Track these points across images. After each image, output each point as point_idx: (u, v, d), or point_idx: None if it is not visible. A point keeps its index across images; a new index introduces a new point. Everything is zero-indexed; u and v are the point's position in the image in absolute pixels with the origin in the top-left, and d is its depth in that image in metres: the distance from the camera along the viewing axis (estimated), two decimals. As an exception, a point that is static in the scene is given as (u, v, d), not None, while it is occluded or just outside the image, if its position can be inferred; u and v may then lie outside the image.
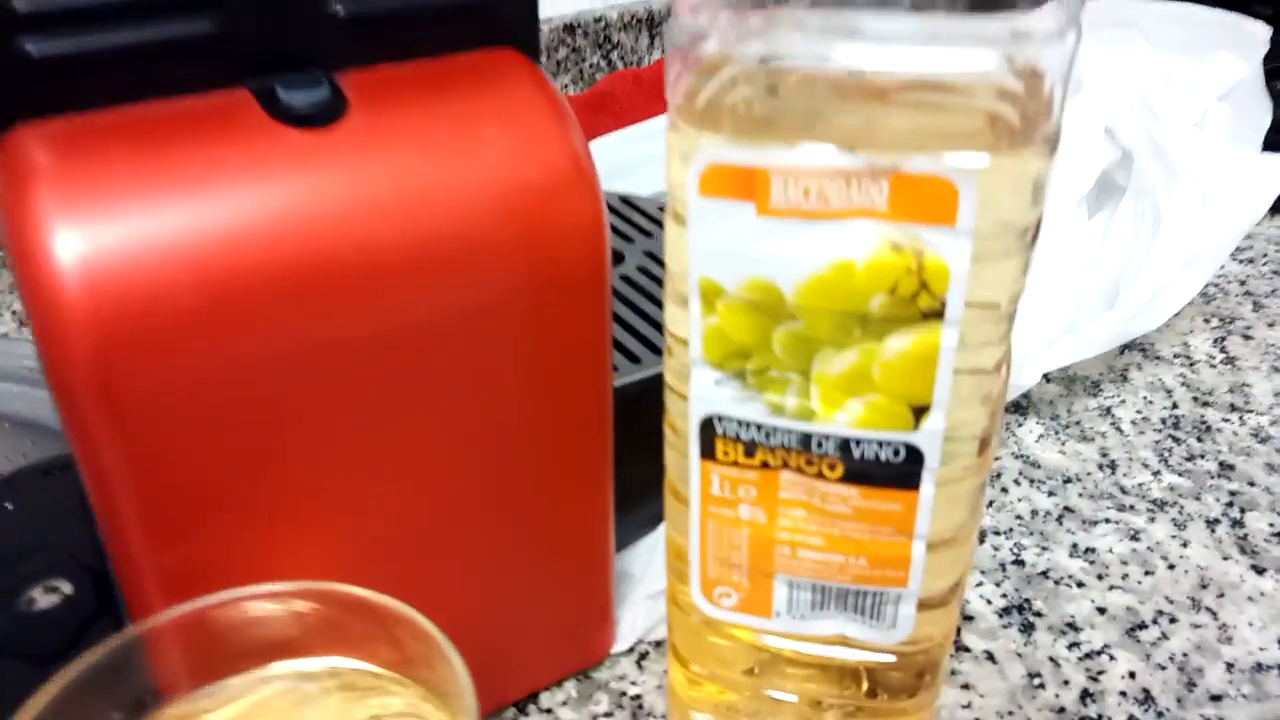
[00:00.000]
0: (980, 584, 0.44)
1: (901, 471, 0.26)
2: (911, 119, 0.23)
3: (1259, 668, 0.40)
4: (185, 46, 0.27)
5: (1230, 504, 0.47)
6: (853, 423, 0.26)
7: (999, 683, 0.39)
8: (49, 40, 0.25)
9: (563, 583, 0.37)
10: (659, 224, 0.49)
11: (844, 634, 0.30)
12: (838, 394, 0.26)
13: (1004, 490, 0.48)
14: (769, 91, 0.23)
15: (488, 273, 0.29)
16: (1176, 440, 0.51)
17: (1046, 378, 0.55)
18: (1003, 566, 0.44)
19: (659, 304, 0.44)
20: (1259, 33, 0.59)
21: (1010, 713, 0.38)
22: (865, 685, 0.32)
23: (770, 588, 0.30)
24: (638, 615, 0.41)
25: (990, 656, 0.40)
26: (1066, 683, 0.39)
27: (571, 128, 0.31)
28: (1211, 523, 0.46)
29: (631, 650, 0.41)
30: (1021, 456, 0.50)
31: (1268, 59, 0.59)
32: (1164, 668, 0.40)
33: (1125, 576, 0.44)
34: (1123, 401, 0.54)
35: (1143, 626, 0.42)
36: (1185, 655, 0.40)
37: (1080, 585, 0.43)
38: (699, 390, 0.27)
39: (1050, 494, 0.48)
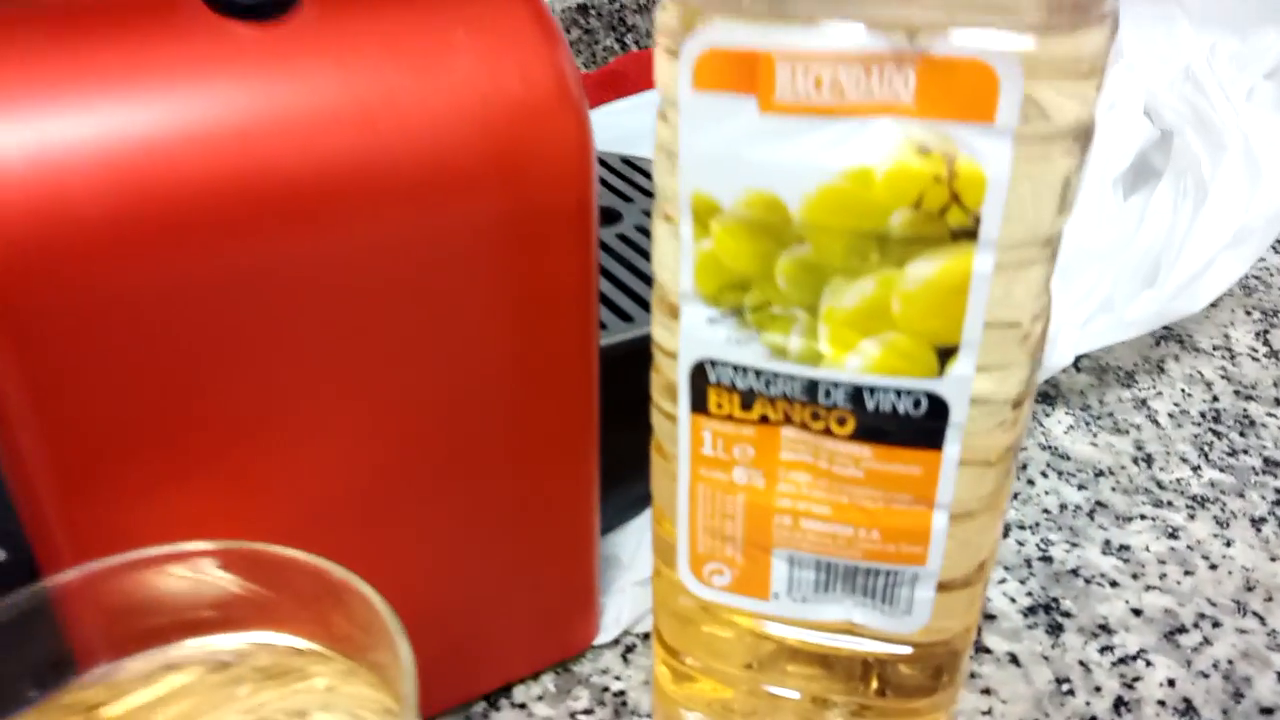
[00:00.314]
0: (1003, 580, 0.40)
1: (922, 427, 0.23)
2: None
3: (1313, 679, 0.36)
4: (112, -76, 0.24)
5: (1278, 502, 0.43)
6: (866, 367, 0.22)
7: (1023, 688, 0.36)
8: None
9: (540, 563, 0.34)
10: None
11: (851, 620, 0.27)
12: (849, 333, 0.22)
13: (1030, 482, 0.44)
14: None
15: (455, 198, 0.26)
16: (1217, 435, 0.47)
17: (1077, 367, 0.51)
18: (1028, 562, 0.40)
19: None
20: (1310, 7, 0.55)
21: (1035, 721, 0.35)
22: (875, 682, 0.28)
23: (768, 565, 0.26)
24: (624, 604, 0.37)
25: (1014, 659, 0.37)
26: (1098, 689, 0.36)
27: (558, 42, 0.27)
28: (1257, 521, 0.42)
29: (616, 642, 0.37)
30: (1049, 448, 0.46)
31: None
32: (1207, 676, 0.36)
33: (1163, 576, 0.40)
34: (1159, 393, 0.50)
35: (1183, 630, 0.38)
36: (1231, 663, 0.36)
37: (1114, 585, 0.40)
38: (689, 330, 0.23)
39: (1080, 487, 0.44)
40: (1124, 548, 0.41)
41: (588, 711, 0.35)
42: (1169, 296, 0.44)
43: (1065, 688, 0.36)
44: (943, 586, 0.25)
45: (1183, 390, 0.50)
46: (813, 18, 0.19)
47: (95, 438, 0.24)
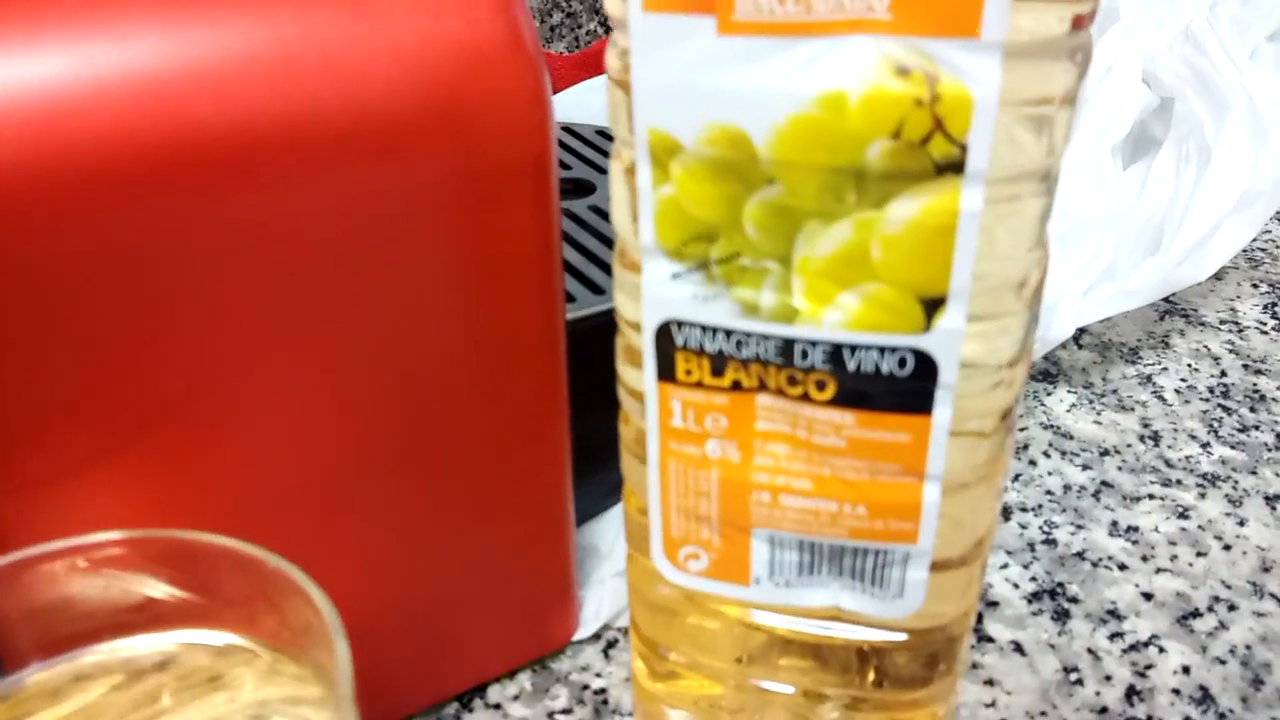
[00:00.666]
0: (1005, 565, 0.38)
1: (909, 389, 0.21)
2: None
3: (1337, 663, 0.34)
4: None
5: (1293, 479, 0.41)
6: (846, 324, 0.20)
7: (1029, 678, 0.33)
8: None
9: (511, 554, 0.31)
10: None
11: (839, 606, 0.24)
12: (826, 285, 0.20)
13: (1032, 463, 0.42)
14: None
15: (395, 153, 0.24)
16: (1227, 410, 0.45)
17: (1079, 343, 0.49)
18: (1031, 546, 0.38)
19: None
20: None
21: (1043, 713, 0.32)
22: (872, 674, 0.26)
23: (747, 547, 0.24)
24: (604, 596, 0.35)
25: (1018, 648, 0.34)
26: (1109, 678, 0.33)
27: (508, -15, 0.25)
28: (1271, 499, 0.40)
29: (597, 637, 0.35)
30: (1051, 427, 0.44)
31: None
32: (1224, 662, 0.34)
33: (1174, 558, 0.38)
34: (1165, 369, 0.48)
35: (1196, 614, 0.36)
36: (1249, 648, 0.34)
37: (1122, 568, 0.37)
38: (652, 288, 0.21)
39: (1085, 467, 0.42)
40: (1132, 529, 0.39)
41: (566, 711, 0.33)
42: (1173, 264, 0.42)
43: (1073, 677, 0.34)
44: (936, 567, 0.23)
45: (1189, 365, 0.48)
46: (774, -77, 0.17)
47: (2, 420, 0.22)
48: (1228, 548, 0.38)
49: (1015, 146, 0.18)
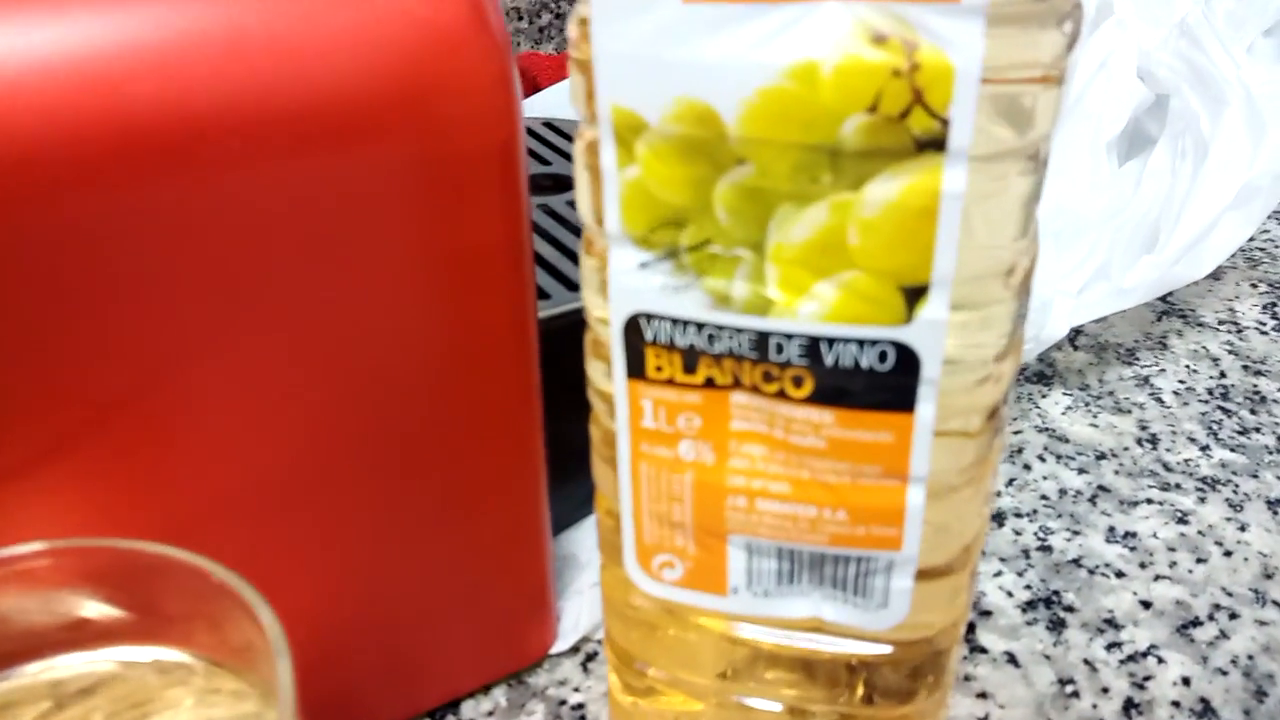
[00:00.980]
0: (999, 573, 0.36)
1: (890, 385, 0.19)
2: None
3: (1343, 673, 0.32)
4: None
5: (1295, 483, 0.40)
6: (822, 315, 0.19)
7: (1023, 690, 0.32)
8: None
9: (485, 564, 0.30)
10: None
11: (820, 617, 0.23)
12: (802, 274, 0.19)
13: (1026, 467, 0.41)
14: None
15: (353, 139, 0.22)
16: (1227, 412, 0.44)
17: (1074, 344, 0.48)
18: (1025, 553, 0.37)
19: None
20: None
21: (1037, 727, 0.31)
22: (861, 688, 0.25)
23: (723, 554, 0.23)
24: (582, 607, 0.34)
25: (1012, 659, 0.33)
26: (1106, 691, 0.32)
27: (472, -37, 0.24)
28: (1273, 503, 0.39)
29: (575, 650, 0.34)
30: (1046, 430, 0.43)
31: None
32: (1225, 673, 0.32)
33: (1173, 565, 0.37)
34: (1162, 370, 0.47)
35: (1197, 623, 0.34)
36: (1251, 658, 0.33)
37: (1120, 575, 0.36)
38: (619, 278, 0.20)
39: (1081, 471, 0.41)
40: (1130, 535, 0.38)
41: (541, 727, 0.31)
42: (1170, 262, 0.40)
43: (1069, 689, 0.32)
44: (922, 575, 0.22)
45: (1188, 367, 0.47)
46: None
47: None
48: (1229, 554, 0.37)
49: (1000, 121, 0.17)
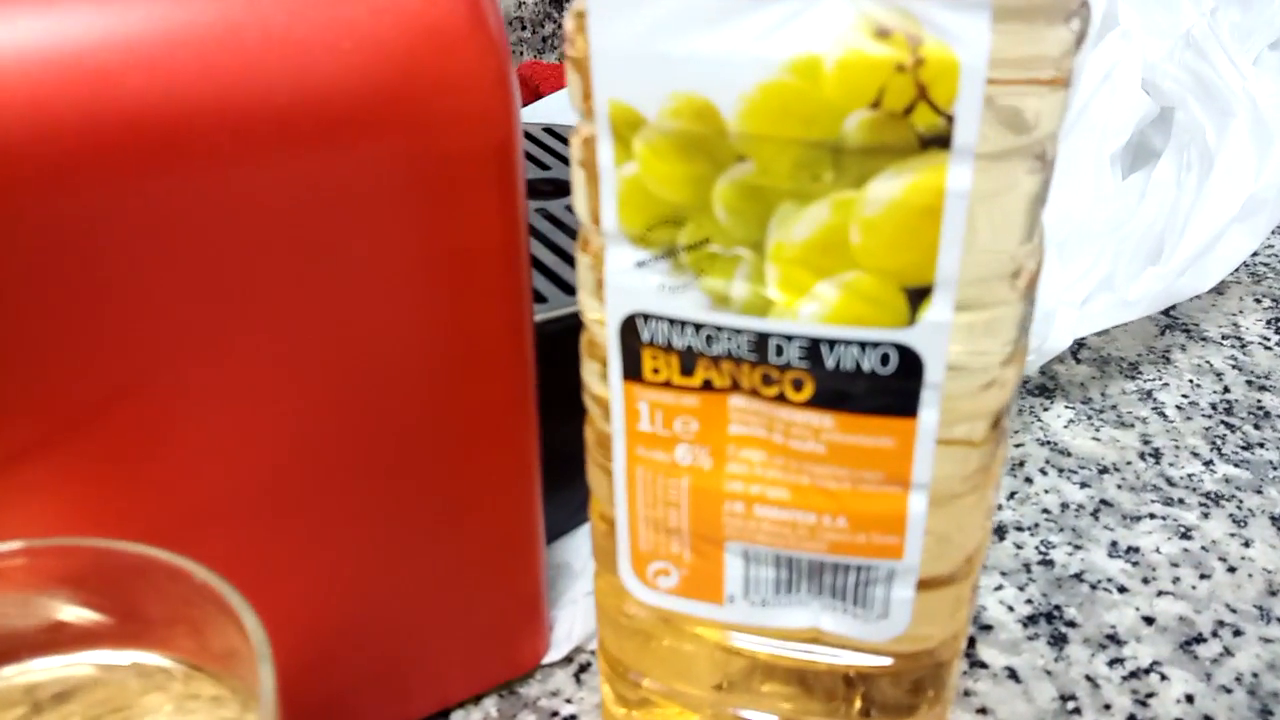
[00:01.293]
0: (1000, 587, 0.36)
1: (892, 388, 0.19)
2: None
3: (1349, 692, 0.32)
4: None
5: (1300, 498, 0.40)
6: (824, 316, 0.19)
7: (1023, 706, 0.32)
8: None
9: (477, 572, 0.30)
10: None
11: (819, 627, 0.23)
12: (802, 274, 0.18)
13: (1028, 480, 0.40)
14: None
15: (347, 136, 0.22)
16: (1230, 427, 0.43)
17: (1076, 358, 0.47)
18: (1027, 567, 0.37)
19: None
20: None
21: (1038, 743, 0.30)
22: (859, 702, 0.24)
23: (720, 562, 0.22)
24: (576, 617, 0.33)
25: (1013, 674, 0.33)
26: (1108, 707, 0.32)
27: (468, -42, 0.24)
28: (1278, 519, 0.39)
29: (568, 660, 0.33)
30: (1048, 443, 0.42)
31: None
32: (1229, 690, 0.32)
33: (1176, 581, 0.36)
34: (1165, 385, 0.46)
35: (1200, 640, 0.34)
36: (1256, 676, 0.32)
37: (1122, 590, 0.36)
38: (616, 278, 0.20)
39: (1083, 485, 0.40)
40: (1132, 550, 0.37)
41: (533, 739, 0.31)
42: (1174, 274, 0.40)
43: (1071, 705, 0.32)
44: (923, 585, 0.22)
45: (1191, 381, 0.46)
46: None
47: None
48: (1232, 570, 0.36)
49: (1006, 118, 0.17)
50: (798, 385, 0.19)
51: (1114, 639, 0.34)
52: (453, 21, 0.23)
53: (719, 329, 0.19)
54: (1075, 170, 0.44)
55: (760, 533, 0.21)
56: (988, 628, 0.34)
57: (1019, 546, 0.37)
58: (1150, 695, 0.32)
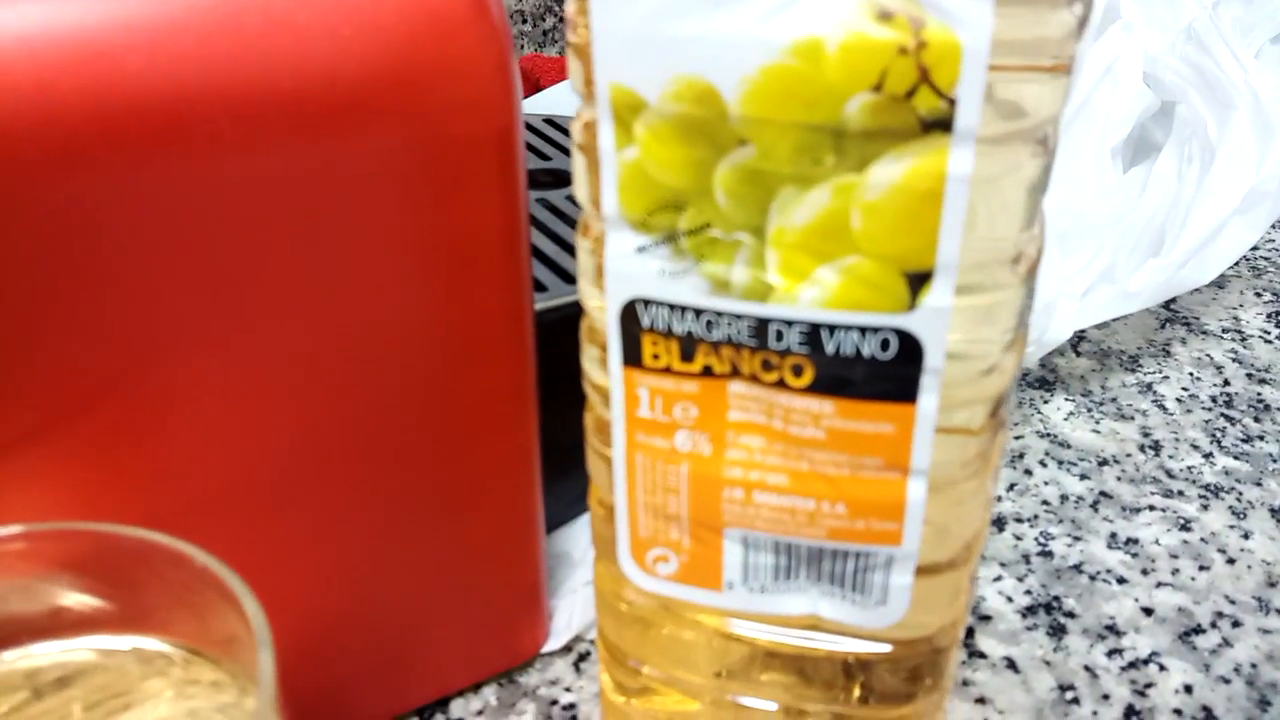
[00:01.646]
0: (999, 578, 0.36)
1: (892, 374, 0.19)
2: None
3: (1348, 683, 0.32)
4: None
5: (1299, 491, 0.40)
6: (824, 301, 0.19)
7: (1022, 696, 0.32)
8: None
9: (477, 559, 0.30)
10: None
11: (818, 614, 0.23)
12: (803, 259, 0.18)
13: (1027, 472, 0.41)
14: None
15: (348, 121, 0.22)
16: (1230, 420, 0.43)
17: (1077, 351, 0.47)
18: (1026, 558, 0.37)
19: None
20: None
21: (1036, 733, 0.31)
22: (858, 689, 0.24)
23: (719, 548, 0.22)
24: (575, 606, 0.33)
25: (1011, 664, 0.33)
26: (1106, 697, 0.32)
27: (470, -55, 0.23)
28: (1277, 512, 0.39)
29: (568, 649, 0.33)
30: (1048, 435, 0.42)
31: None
32: (1228, 681, 0.32)
33: (1175, 572, 0.36)
34: (1165, 378, 0.46)
35: (1199, 631, 0.34)
36: (1254, 666, 0.32)
37: (1121, 581, 0.36)
38: (616, 263, 0.20)
39: (1083, 477, 0.40)
40: (1132, 541, 0.37)
41: (532, 727, 0.31)
42: (1175, 266, 0.40)
43: (1069, 695, 0.32)
44: (922, 571, 0.22)
45: (1191, 374, 0.46)
46: None
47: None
48: (1231, 561, 0.37)
49: (1008, 102, 0.17)
50: (797, 371, 0.19)
51: (1113, 630, 0.34)
52: (454, 7, 0.23)
53: (719, 314, 0.19)
54: (1077, 163, 0.44)
55: (759, 519, 0.21)
56: (986, 618, 0.34)
57: (1018, 538, 0.38)
58: (1149, 685, 0.32)
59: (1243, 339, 0.49)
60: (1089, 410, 0.44)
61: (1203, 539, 0.37)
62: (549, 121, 0.44)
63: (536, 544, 0.31)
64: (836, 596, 0.22)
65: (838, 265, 0.18)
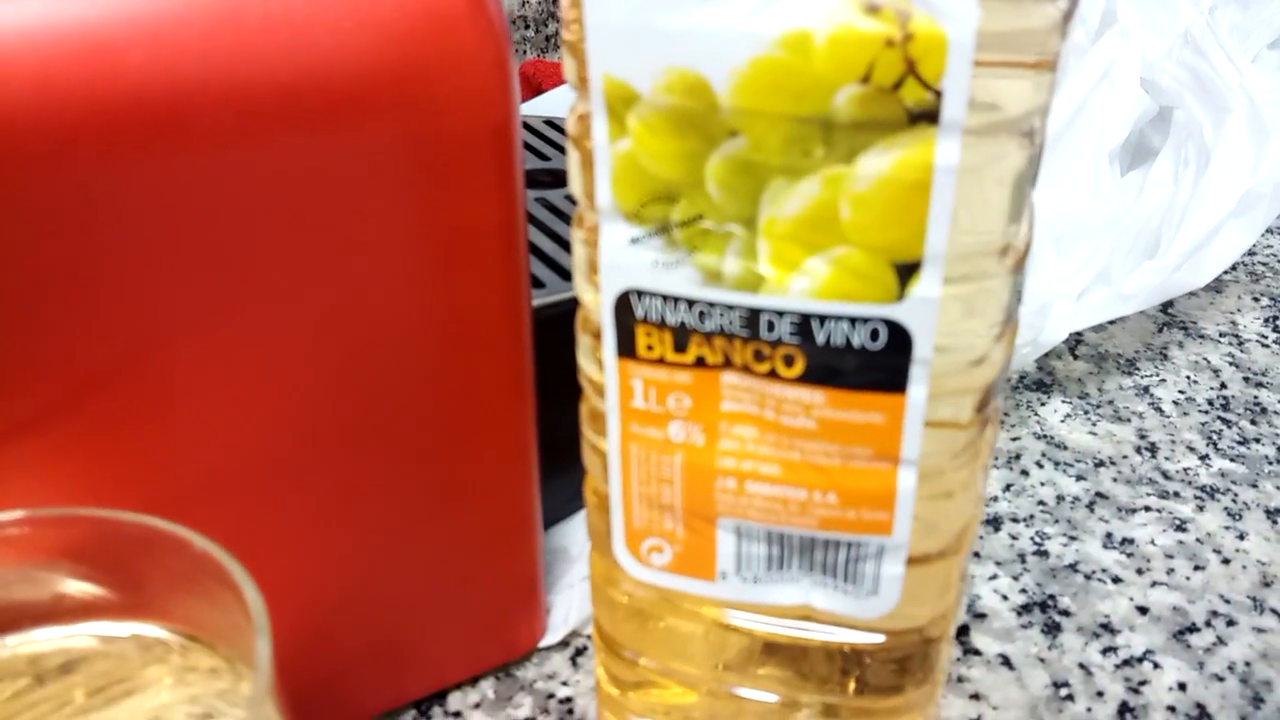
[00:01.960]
0: (994, 577, 0.36)
1: (882, 364, 0.19)
2: None
3: (1341, 682, 0.32)
4: None
5: (1295, 492, 0.40)
6: (814, 291, 0.19)
7: (1017, 693, 0.32)
8: None
9: (474, 553, 0.30)
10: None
11: (810, 604, 0.23)
12: (794, 250, 0.19)
13: (1024, 473, 0.41)
14: None
15: (346, 116, 0.22)
16: (1227, 423, 0.44)
17: (1074, 354, 0.48)
18: (1022, 557, 0.37)
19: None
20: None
21: (1030, 729, 0.31)
22: (853, 682, 0.25)
23: (713, 538, 0.23)
24: (573, 601, 0.34)
25: (1006, 661, 0.33)
26: (1101, 694, 0.32)
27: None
28: (1272, 513, 0.39)
29: (565, 644, 0.33)
30: (1045, 437, 0.43)
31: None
32: (1222, 679, 0.32)
33: (1170, 571, 0.36)
34: (1162, 381, 0.46)
35: (1193, 629, 0.34)
36: (1248, 664, 0.33)
37: (1116, 580, 0.36)
38: (610, 254, 0.20)
39: (1079, 478, 0.40)
40: (1127, 541, 0.38)
41: (529, 720, 0.31)
42: (1171, 268, 0.40)
43: (1064, 692, 0.32)
44: (913, 561, 0.22)
45: (1188, 377, 0.47)
46: None
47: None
48: (1226, 561, 0.37)
49: (994, 94, 0.17)
50: (789, 361, 0.20)
51: (1108, 628, 0.34)
52: (452, 3, 0.23)
53: (711, 305, 0.20)
54: (1074, 167, 0.44)
55: (752, 509, 0.22)
56: (982, 616, 0.34)
57: (1014, 537, 0.38)
58: (1143, 683, 0.32)
59: (1240, 343, 0.49)
60: (1086, 412, 0.44)
61: (1198, 539, 0.38)
62: (549, 123, 0.44)
63: (534, 539, 0.31)
64: (828, 586, 0.22)
65: (827, 256, 0.18)
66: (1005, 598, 0.35)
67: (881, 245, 0.18)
